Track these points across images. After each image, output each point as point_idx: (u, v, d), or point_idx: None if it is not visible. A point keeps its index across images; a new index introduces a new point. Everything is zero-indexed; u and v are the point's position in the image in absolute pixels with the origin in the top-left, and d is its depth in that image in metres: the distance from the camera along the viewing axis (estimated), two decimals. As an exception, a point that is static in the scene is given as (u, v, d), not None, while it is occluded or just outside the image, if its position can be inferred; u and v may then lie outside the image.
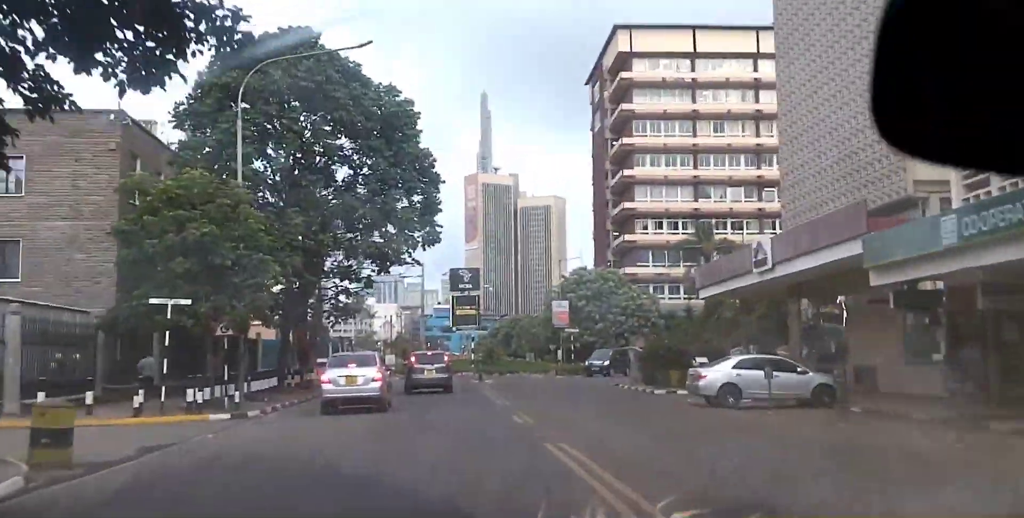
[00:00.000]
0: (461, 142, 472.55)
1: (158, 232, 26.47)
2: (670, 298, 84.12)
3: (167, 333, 26.64)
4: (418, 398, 34.74)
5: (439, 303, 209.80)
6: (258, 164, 36.91)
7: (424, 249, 38.84)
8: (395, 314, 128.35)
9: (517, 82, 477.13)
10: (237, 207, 27.82)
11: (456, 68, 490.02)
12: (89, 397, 24.70)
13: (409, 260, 39.97)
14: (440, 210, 39.80)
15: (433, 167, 39.06)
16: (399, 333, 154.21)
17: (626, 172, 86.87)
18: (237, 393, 27.24)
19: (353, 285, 41.97)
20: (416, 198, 38.99)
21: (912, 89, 1.18)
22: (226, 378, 28.39)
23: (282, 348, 40.10)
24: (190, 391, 25.12)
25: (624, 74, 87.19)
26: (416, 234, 38.76)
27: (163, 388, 25.20)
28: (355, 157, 38.41)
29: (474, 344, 66.68)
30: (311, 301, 42.03)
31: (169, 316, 25.33)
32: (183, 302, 25.28)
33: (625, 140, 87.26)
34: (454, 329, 68.16)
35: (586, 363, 62.89)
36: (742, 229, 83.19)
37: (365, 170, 38.16)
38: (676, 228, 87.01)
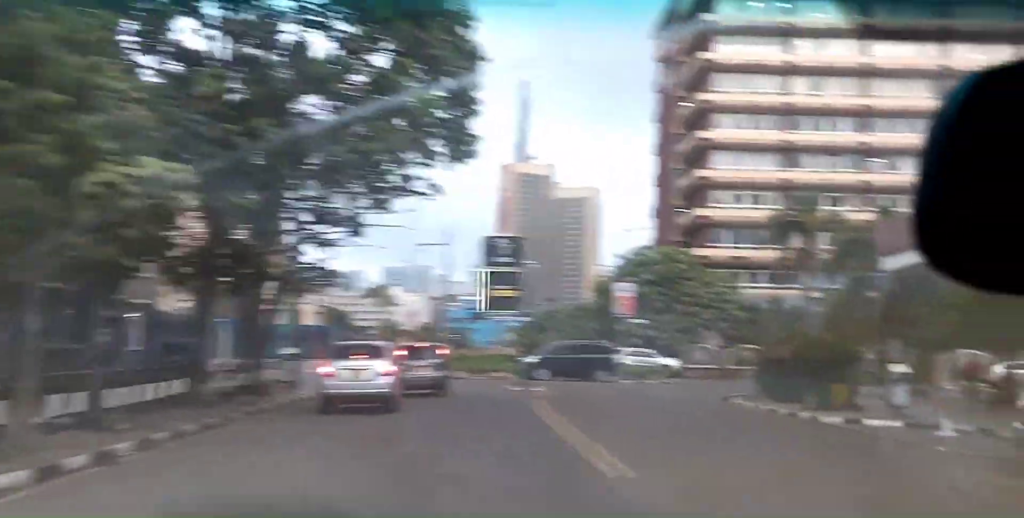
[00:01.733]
0: (497, 129, 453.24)
1: None
2: (749, 287, 67.33)
3: None
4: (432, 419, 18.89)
5: (467, 296, 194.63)
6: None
7: (449, 168, 22.19)
8: (414, 301, 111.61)
9: (559, 69, 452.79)
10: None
11: (495, 52, 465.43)
12: None
13: (423, 187, 23.31)
14: (476, 109, 22.90)
15: (469, 33, 22.28)
16: (424, 324, 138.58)
17: (701, 134, 70.00)
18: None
19: (333, 231, 25.26)
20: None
21: (959, 212, 1.07)
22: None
23: (194, 325, 23.71)
24: None
25: (705, 16, 70.20)
26: (437, 143, 22.23)
27: None
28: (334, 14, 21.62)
29: (511, 335, 49.89)
30: (277, 251, 25.80)
31: None
32: None
33: (702, 96, 70.34)
34: (485, 315, 51.65)
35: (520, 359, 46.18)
36: (839, 206, 65.67)
37: (353, 29, 21.42)
38: (759, 203, 70.06)
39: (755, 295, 65.16)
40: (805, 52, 70.47)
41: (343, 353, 23.37)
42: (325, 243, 25.38)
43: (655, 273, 62.50)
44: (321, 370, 22.98)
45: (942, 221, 1.07)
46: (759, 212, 68.76)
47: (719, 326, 61.76)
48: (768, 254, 68.73)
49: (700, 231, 71.69)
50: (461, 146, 21.85)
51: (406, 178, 23.09)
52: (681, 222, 74.30)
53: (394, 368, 22.68)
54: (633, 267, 62.43)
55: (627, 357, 53.57)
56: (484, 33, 22.05)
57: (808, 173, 69.40)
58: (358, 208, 24.15)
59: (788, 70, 70.20)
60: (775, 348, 32.35)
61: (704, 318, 61.46)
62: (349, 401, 21.74)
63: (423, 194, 23.41)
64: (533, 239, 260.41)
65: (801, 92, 70.32)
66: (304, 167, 21.70)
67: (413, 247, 53.53)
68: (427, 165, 22.20)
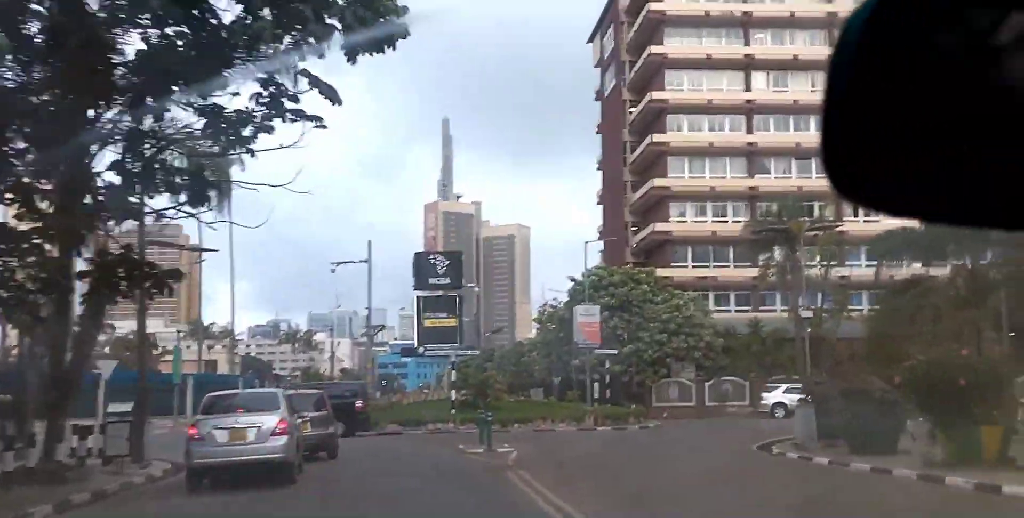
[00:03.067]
0: (421, 168, 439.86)
1: None
2: (716, 310, 57.84)
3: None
4: None
5: (395, 339, 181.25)
6: None
7: (352, 59, 11.74)
8: (332, 344, 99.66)
9: (480, 106, 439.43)
10: None
11: (416, 90, 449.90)
12: None
13: (309, 100, 12.92)
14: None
15: None
16: (346, 369, 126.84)
17: (656, 138, 60.89)
18: None
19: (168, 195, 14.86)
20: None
21: (870, 131, 1.06)
22: None
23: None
24: None
25: (654, 5, 61.51)
26: (334, 16, 11.91)
27: None
28: None
29: (454, 374, 38.80)
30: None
31: None
32: None
33: (655, 95, 61.37)
34: (420, 351, 40.90)
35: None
36: (812, 215, 56.54)
37: None
38: (724, 214, 61.17)
39: (729, 319, 55.84)
40: (765, 45, 62.29)
41: (218, 407, 17.34)
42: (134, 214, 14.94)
43: (615, 297, 52.79)
44: (190, 431, 16.91)
45: (848, 147, 1.04)
46: (724, 225, 60.03)
47: (693, 355, 52.13)
48: (738, 272, 59.84)
49: (658, 249, 62.34)
50: (373, 15, 11.63)
51: (274, 83, 12.76)
52: (636, 241, 64.91)
53: (285, 424, 16.58)
54: (588, 291, 52.50)
55: (780, 395, 43.22)
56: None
57: (777, 180, 60.71)
58: (198, 148, 13.73)
59: (748, 64, 61.78)
60: (854, 374, 22.74)
61: (674, 347, 51.74)
62: (227, 472, 16.28)
63: (309, 118, 13.16)
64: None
65: (763, 88, 61.88)
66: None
67: (328, 266, 42.62)
68: (317, 53, 11.93)
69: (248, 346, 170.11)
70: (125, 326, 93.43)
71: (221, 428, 16.23)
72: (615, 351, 46.02)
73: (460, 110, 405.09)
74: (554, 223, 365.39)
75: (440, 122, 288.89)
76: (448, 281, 40.02)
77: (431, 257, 42.50)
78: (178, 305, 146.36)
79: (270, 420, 16.40)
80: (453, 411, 35.09)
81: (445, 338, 39.45)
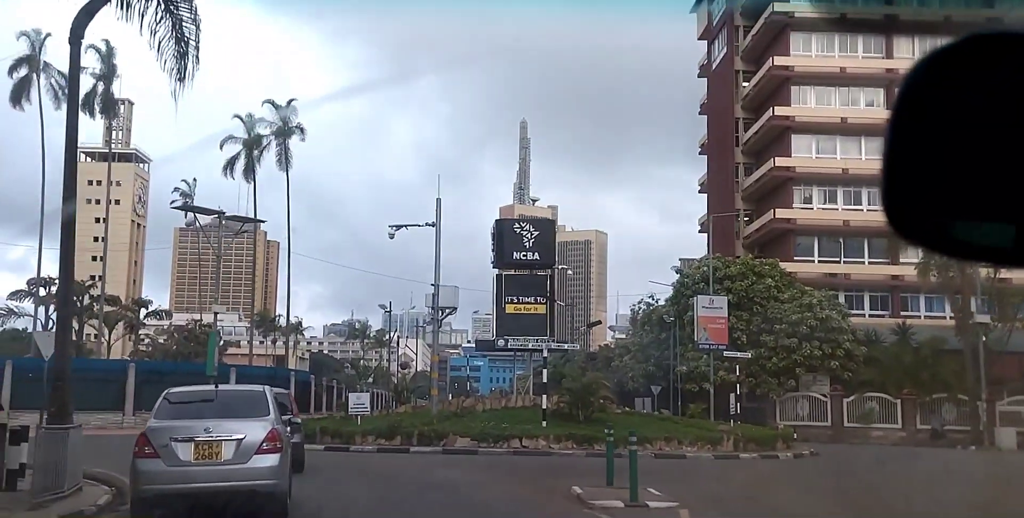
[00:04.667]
0: (497, 171, 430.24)
1: None
2: (850, 313, 47.51)
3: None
4: None
5: (468, 341, 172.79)
6: None
7: None
8: (394, 338, 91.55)
9: (559, 110, 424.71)
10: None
11: (494, 94, 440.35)
12: None
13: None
14: None
15: None
16: (417, 370, 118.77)
17: (779, 111, 51.04)
18: None
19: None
20: None
21: (930, 180, 1.12)
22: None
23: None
24: None
25: (778, -40, 51.89)
26: None
27: None
28: None
29: (546, 373, 29.17)
30: None
31: None
32: None
33: (777, 61, 51.57)
34: (500, 343, 31.69)
35: None
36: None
37: None
38: (857, 201, 51.01)
39: (864, 324, 45.66)
40: (910, 4, 51.78)
41: (180, 409, 11.46)
42: None
43: (732, 292, 43.07)
44: (137, 445, 10.80)
45: (911, 194, 1.05)
46: (859, 214, 49.96)
47: (828, 365, 42.08)
48: (875, 269, 49.68)
49: (777, 241, 52.37)
50: None
51: None
52: (749, 231, 54.97)
53: (280, 435, 11.20)
54: (700, 284, 42.88)
55: None
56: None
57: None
58: None
59: (890, 26, 51.35)
60: None
61: (805, 354, 41.79)
62: (190, 501, 10.69)
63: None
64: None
65: (907, 56, 51.45)
66: None
67: (386, 230, 34.54)
68: None
69: (321, 343, 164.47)
70: (183, 318, 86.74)
71: (183, 440, 10.95)
72: (747, 354, 36.31)
73: (536, 114, 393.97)
74: (631, 232, 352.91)
75: (517, 125, 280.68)
76: (537, 258, 30.96)
77: (516, 225, 33.49)
78: (252, 299, 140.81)
79: (255, 430, 11.12)
80: (544, 423, 25.92)
81: (531, 329, 30.42)
